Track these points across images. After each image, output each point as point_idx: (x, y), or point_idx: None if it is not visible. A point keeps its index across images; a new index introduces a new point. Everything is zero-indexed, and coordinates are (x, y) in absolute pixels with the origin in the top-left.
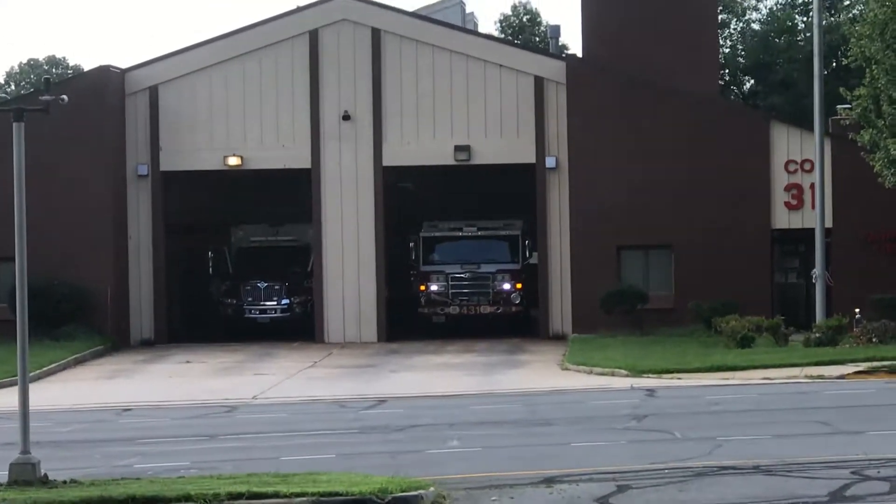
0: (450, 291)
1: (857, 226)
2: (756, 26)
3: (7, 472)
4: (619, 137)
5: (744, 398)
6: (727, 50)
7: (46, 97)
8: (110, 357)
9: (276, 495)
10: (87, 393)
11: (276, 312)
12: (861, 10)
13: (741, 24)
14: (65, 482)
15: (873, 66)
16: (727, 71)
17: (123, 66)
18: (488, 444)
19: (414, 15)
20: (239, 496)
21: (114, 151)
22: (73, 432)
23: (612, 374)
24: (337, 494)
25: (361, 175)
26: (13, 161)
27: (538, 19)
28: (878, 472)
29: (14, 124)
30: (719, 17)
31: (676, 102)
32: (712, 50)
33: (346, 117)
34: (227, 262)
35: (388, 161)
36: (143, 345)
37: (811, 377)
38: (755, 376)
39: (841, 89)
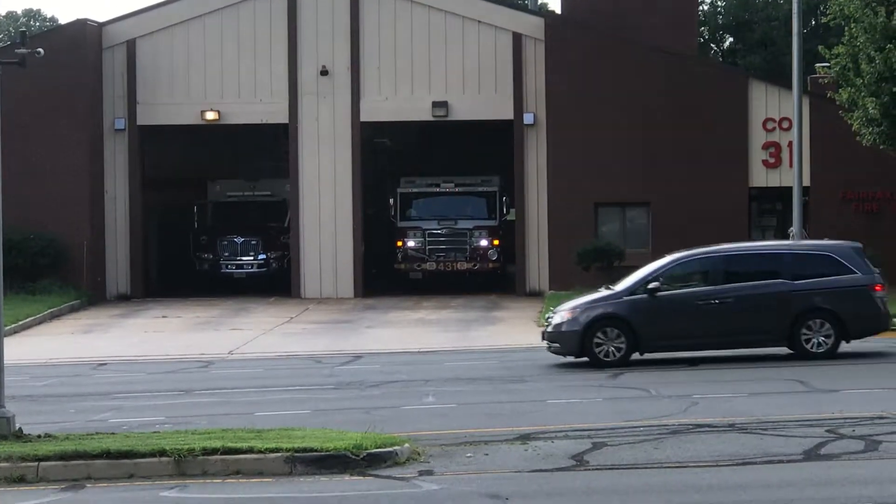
0: (427, 247)
1: (834, 184)
2: None
3: None
4: (597, 95)
5: (719, 356)
6: (706, 7)
7: (22, 50)
8: (86, 311)
9: (250, 450)
10: (62, 347)
11: (252, 268)
12: None
13: None
14: (39, 436)
15: (852, 25)
16: (706, 29)
17: (101, 19)
18: (464, 400)
19: None
20: (213, 451)
21: (91, 105)
22: (48, 386)
23: None
24: (312, 450)
25: (339, 130)
26: None
27: None
28: (853, 430)
29: None
30: None
31: (655, 60)
32: (691, 8)
33: (324, 72)
34: (204, 216)
35: (365, 117)
36: (119, 299)
37: None
38: None
39: (820, 48)
